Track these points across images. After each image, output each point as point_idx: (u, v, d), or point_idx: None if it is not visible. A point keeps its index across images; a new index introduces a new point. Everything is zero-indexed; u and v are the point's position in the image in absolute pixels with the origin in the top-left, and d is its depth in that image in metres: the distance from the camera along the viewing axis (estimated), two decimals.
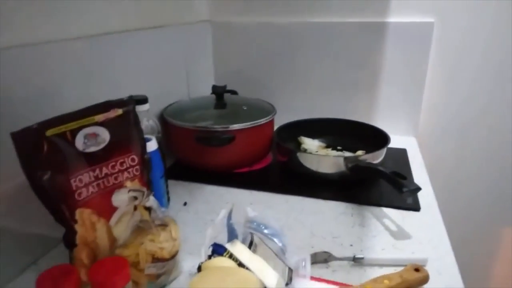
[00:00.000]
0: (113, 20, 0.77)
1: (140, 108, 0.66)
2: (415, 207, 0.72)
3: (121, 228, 0.50)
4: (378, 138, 0.88)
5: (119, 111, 0.52)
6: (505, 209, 1.12)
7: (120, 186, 0.50)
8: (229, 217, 0.56)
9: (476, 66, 1.02)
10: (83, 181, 0.49)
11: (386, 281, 0.50)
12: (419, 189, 0.63)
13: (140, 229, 0.49)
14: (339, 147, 0.97)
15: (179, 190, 0.81)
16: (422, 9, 1.00)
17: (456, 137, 1.09)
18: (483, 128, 1.06)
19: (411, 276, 0.51)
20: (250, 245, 0.56)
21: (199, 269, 0.51)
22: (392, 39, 1.03)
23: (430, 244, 0.63)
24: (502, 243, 1.16)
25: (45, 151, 0.46)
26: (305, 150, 0.94)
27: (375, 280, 0.51)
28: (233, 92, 1.03)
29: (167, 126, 0.86)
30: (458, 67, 1.03)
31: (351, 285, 0.50)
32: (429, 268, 0.55)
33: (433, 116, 1.09)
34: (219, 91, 0.91)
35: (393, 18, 1.02)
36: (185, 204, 0.76)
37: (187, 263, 0.58)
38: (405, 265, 0.54)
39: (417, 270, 0.52)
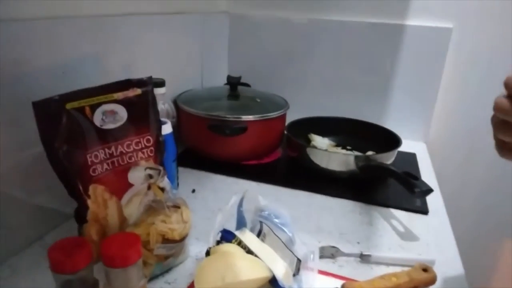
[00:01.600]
0: (135, 1, 0.77)
1: (157, 91, 0.66)
2: (424, 210, 0.72)
3: (132, 208, 0.50)
4: (388, 140, 0.88)
5: (138, 91, 0.52)
6: (506, 224, 1.11)
7: (134, 165, 0.50)
8: (241, 204, 0.56)
9: (491, 74, 1.01)
10: (99, 157, 0.49)
11: (394, 279, 0.50)
12: (431, 190, 0.63)
13: (152, 209, 0.49)
14: (348, 147, 0.97)
15: (188, 177, 0.81)
16: (441, 14, 1.00)
17: (467, 145, 1.09)
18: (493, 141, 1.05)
19: (418, 276, 0.51)
20: (259, 234, 0.56)
21: (207, 253, 0.51)
22: (408, 42, 1.02)
23: (437, 247, 0.62)
24: (508, 250, 1.15)
25: (64, 124, 0.46)
26: (315, 147, 0.94)
27: (382, 277, 0.50)
28: (246, 85, 1.03)
29: (180, 113, 0.86)
30: (473, 74, 1.03)
31: (358, 280, 0.50)
32: (435, 270, 0.55)
33: (444, 123, 1.09)
34: (233, 82, 0.91)
35: (411, 21, 1.02)
36: (193, 191, 0.76)
37: (194, 248, 0.58)
38: (411, 266, 0.54)
39: (425, 270, 0.51)
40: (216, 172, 0.84)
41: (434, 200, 0.76)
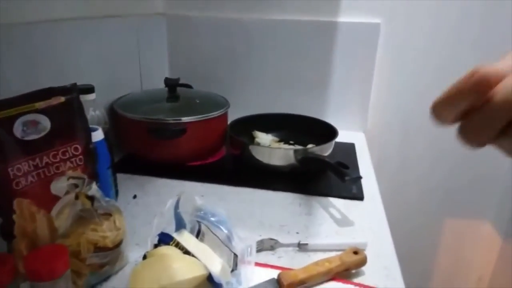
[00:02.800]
0: (60, 6, 0.74)
1: (86, 98, 0.64)
2: (359, 197, 0.76)
3: (63, 219, 0.49)
4: (328, 133, 0.91)
5: (62, 99, 0.51)
6: (445, 201, 1.20)
7: (58, 176, 0.49)
8: (177, 206, 0.57)
9: (419, 64, 1.08)
10: (22, 170, 0.47)
11: (326, 264, 0.53)
12: (360, 177, 0.67)
13: (82, 219, 0.48)
14: (291, 142, 0.99)
15: (129, 184, 0.80)
16: (370, 10, 1.05)
17: (401, 131, 1.16)
18: (426, 123, 1.13)
19: (350, 259, 0.54)
20: (198, 234, 0.57)
21: (145, 257, 0.51)
22: (342, 38, 1.07)
23: (371, 230, 0.66)
24: (441, 234, 1.24)
25: None
26: (258, 144, 0.96)
27: (316, 263, 0.53)
28: (188, 86, 1.03)
29: (118, 118, 0.85)
30: (402, 65, 1.09)
31: (293, 269, 0.52)
32: (369, 252, 0.58)
33: (380, 112, 1.15)
34: (171, 84, 0.90)
35: (343, 18, 1.07)
36: (134, 197, 0.75)
37: (134, 254, 0.58)
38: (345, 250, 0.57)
39: (355, 253, 0.55)
40: (159, 176, 0.83)
41: (369, 187, 0.80)
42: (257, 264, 0.55)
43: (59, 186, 0.46)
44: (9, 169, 0.46)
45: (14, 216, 0.46)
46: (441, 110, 0.25)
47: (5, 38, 0.61)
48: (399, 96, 1.13)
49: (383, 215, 0.72)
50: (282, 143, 0.99)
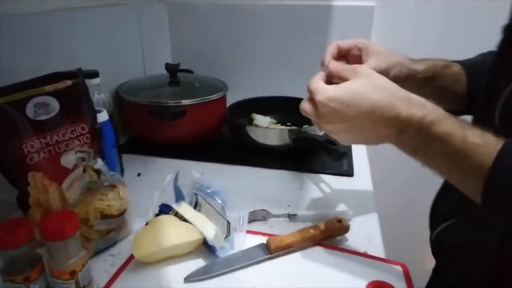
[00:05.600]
0: None
1: (91, 82, 0.69)
2: (349, 173, 0.81)
3: (73, 191, 0.54)
4: None
5: (68, 82, 0.56)
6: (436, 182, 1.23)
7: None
8: (176, 179, 0.62)
9: (413, 46, 1.10)
10: (35, 147, 0.52)
11: (311, 231, 0.58)
12: (345, 153, 0.71)
13: (90, 190, 0.53)
14: (288, 123, 1.04)
15: (134, 163, 0.85)
16: None
17: None
18: None
19: (333, 226, 0.58)
20: (195, 205, 0.62)
21: (146, 225, 0.56)
22: (337, 22, 1.10)
23: (357, 203, 0.71)
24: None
25: None
26: (256, 126, 1.00)
27: (302, 230, 0.58)
28: (189, 71, 1.08)
29: (122, 103, 0.90)
30: (396, 49, 1.12)
31: (280, 235, 0.57)
32: (353, 222, 0.63)
33: None
34: (172, 69, 0.95)
35: (338, 2, 1.09)
36: (139, 174, 0.80)
37: (138, 224, 0.63)
38: None
39: (339, 221, 0.59)
40: (162, 156, 0.89)
41: (360, 164, 0.85)
42: (249, 231, 0.60)
43: (68, 158, 0.51)
44: (24, 146, 0.51)
45: (29, 188, 0.52)
46: None
47: (17, 28, 0.66)
48: None
49: (370, 189, 0.76)
50: (279, 125, 1.03)
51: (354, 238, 0.61)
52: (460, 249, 0.59)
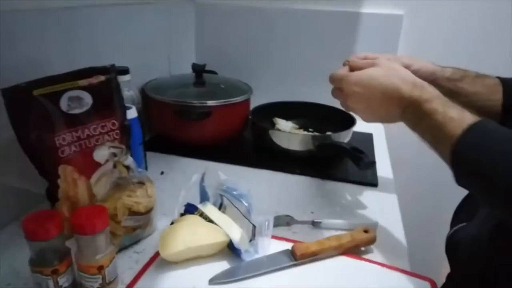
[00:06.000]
0: None
1: (122, 78, 0.70)
2: (373, 183, 0.79)
3: (101, 186, 0.54)
4: (346, 122, 0.94)
5: (102, 78, 0.56)
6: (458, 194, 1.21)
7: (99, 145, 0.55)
8: (202, 180, 0.62)
9: (441, 57, 1.08)
10: (66, 140, 0.53)
11: (337, 239, 0.57)
12: (373, 162, 0.70)
13: (119, 186, 0.53)
14: (310, 129, 1.03)
15: (157, 161, 0.86)
16: (393, 2, 1.07)
17: None
18: None
19: (360, 236, 0.57)
20: (220, 207, 0.62)
21: (172, 224, 0.56)
22: (364, 29, 1.09)
23: (382, 213, 0.70)
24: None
25: (32, 109, 0.49)
26: (278, 130, 0.99)
27: (328, 238, 0.57)
28: (213, 72, 1.08)
29: (148, 101, 0.90)
30: (424, 58, 1.10)
31: (305, 242, 0.57)
32: (379, 233, 0.62)
33: None
34: (198, 70, 0.95)
35: (366, 9, 1.08)
36: (162, 173, 0.81)
37: (162, 223, 0.63)
38: None
39: (366, 231, 0.58)
40: (185, 155, 0.89)
41: (384, 175, 0.83)
42: (273, 237, 0.59)
43: (101, 153, 0.51)
44: (56, 139, 0.52)
45: (59, 181, 0.52)
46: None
47: (51, 22, 0.67)
48: None
49: (395, 201, 0.75)
50: (301, 130, 1.03)
51: (379, 249, 0.59)
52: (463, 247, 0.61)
